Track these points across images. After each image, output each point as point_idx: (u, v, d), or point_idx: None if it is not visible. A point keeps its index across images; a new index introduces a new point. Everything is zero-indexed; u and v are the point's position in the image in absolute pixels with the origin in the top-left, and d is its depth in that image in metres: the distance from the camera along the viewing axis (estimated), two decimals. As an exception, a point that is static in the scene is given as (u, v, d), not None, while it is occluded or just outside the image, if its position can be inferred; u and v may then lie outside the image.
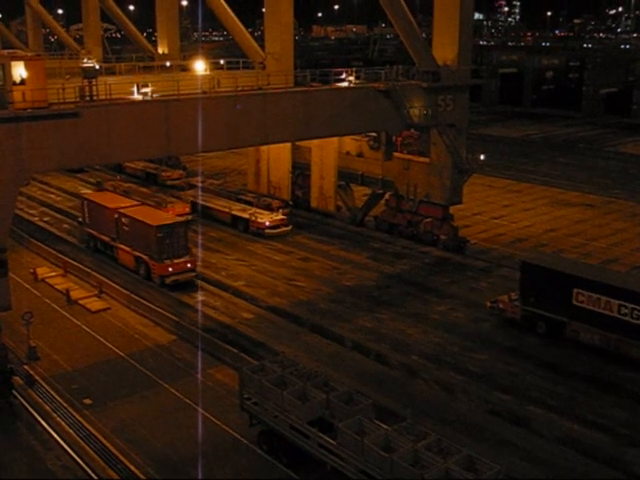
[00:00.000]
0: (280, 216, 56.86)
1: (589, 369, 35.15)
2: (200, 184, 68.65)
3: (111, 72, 50.25)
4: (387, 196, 56.87)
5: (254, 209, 58.08)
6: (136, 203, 51.10)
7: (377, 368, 35.45)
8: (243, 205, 59.58)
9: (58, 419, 30.34)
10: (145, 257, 46.09)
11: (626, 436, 29.55)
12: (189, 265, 45.81)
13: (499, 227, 58.98)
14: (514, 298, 39.84)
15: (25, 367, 34.35)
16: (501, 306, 40.22)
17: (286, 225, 56.59)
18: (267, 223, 55.75)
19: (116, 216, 48.27)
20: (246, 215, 57.06)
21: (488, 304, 41.00)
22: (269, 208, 58.91)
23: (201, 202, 61.36)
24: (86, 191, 67.80)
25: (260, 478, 26.59)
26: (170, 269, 44.89)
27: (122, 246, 48.30)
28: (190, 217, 57.89)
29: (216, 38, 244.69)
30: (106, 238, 49.99)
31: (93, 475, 26.68)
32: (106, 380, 33.70)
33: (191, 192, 64.99)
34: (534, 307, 38.54)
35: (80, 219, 53.69)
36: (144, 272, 46.42)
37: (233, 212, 58.31)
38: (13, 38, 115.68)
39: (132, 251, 47.28)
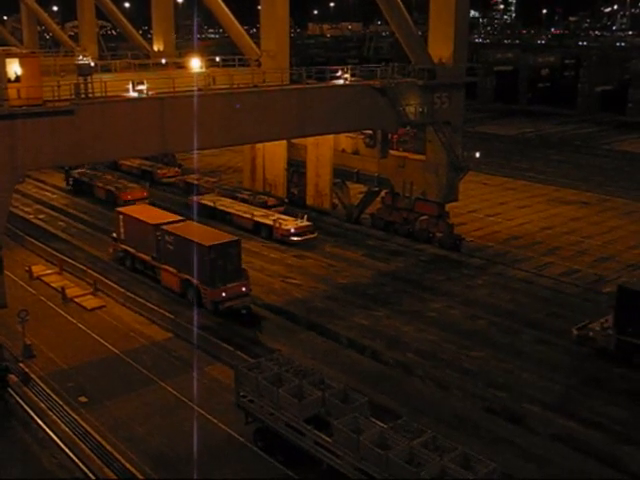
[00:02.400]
0: (305, 222, 53.68)
1: (584, 367, 35.24)
2: (196, 181, 68.56)
3: (106, 69, 50.12)
4: (383, 194, 56.89)
5: (277, 215, 55.45)
6: (180, 219, 46.14)
7: (373, 366, 35.47)
8: (265, 211, 57.06)
9: (54, 417, 30.28)
10: (194, 280, 41.29)
11: (621, 434, 29.61)
12: (244, 289, 41.21)
13: (494, 225, 59.04)
14: (606, 326, 35.99)
15: (20, 365, 34.26)
16: (591, 334, 36.29)
17: (312, 232, 53.63)
18: (292, 230, 52.91)
19: (159, 233, 43.80)
20: (269, 221, 54.20)
21: (574, 332, 36.89)
22: (265, 206, 58.83)
23: (220, 207, 58.44)
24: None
25: (256, 475, 26.57)
26: (224, 294, 40.37)
27: (166, 267, 43.68)
28: (147, 202, 61.02)
29: (212, 35, 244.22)
30: (146, 257, 45.44)
31: (89, 473, 26.62)
32: (102, 378, 33.64)
33: (209, 196, 61.76)
34: (632, 337, 34.67)
35: (114, 235, 48.75)
36: (192, 297, 41.65)
37: (255, 218, 55.39)
38: (8, 35, 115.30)
39: (178, 273, 42.65)
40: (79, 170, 69.98)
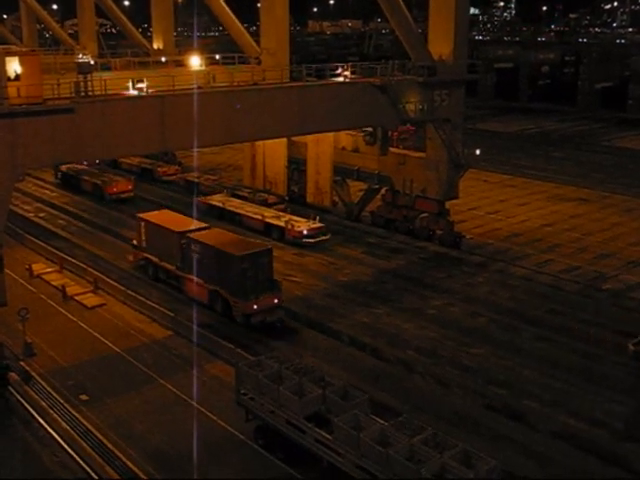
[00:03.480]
0: (318, 224, 52.59)
1: (585, 363, 35.26)
2: (196, 179, 68.55)
3: (106, 67, 50.09)
4: (383, 191, 56.86)
5: (289, 216, 54.20)
6: (205, 225, 44.22)
7: (373, 363, 35.48)
8: (276, 211, 56.06)
9: (54, 415, 30.26)
10: (223, 292, 39.24)
11: (621, 430, 29.60)
12: (276, 301, 38.95)
13: (495, 222, 59.03)
14: None
15: (21, 363, 34.26)
16: None
17: (325, 234, 52.42)
18: (305, 232, 51.67)
19: (184, 241, 41.54)
20: (281, 223, 53.08)
21: (631, 347, 35.13)
22: (265, 203, 58.76)
23: (229, 207, 57.49)
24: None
25: (256, 473, 26.59)
26: (255, 306, 38.03)
27: (192, 277, 41.30)
28: (132, 194, 65.67)
29: (212, 33, 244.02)
30: (170, 266, 43.22)
31: (90, 471, 26.63)
32: (102, 376, 33.67)
33: (218, 197, 60.59)
34: None
35: (135, 242, 46.62)
36: (221, 308, 39.87)
37: (267, 220, 54.13)
38: (8, 34, 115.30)
39: (205, 284, 40.45)
40: (66, 165, 70.89)
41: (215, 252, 39.54)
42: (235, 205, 58.17)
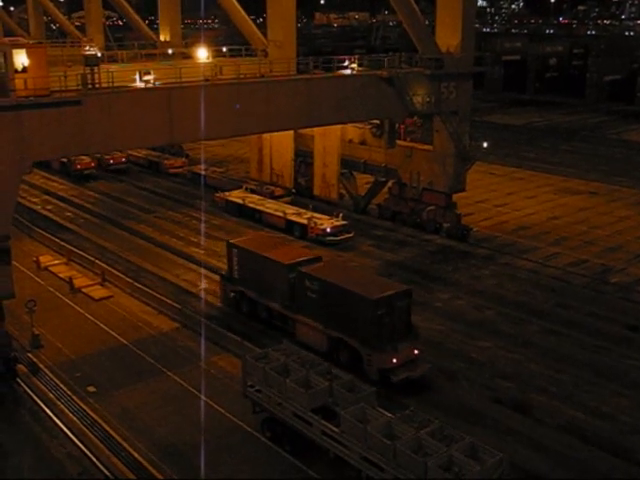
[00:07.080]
0: (341, 221, 51.32)
1: (592, 357, 35.18)
2: (203, 172, 68.59)
3: (113, 60, 50.04)
4: (390, 184, 56.76)
5: (311, 213, 52.66)
6: (316, 256, 37.55)
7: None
8: (298, 208, 54.45)
9: (62, 407, 30.40)
10: (351, 341, 32.55)
11: (628, 424, 29.55)
12: (416, 352, 32.71)
13: (502, 215, 58.87)
14: None
15: (29, 355, 34.40)
16: None
17: (348, 231, 51.07)
18: (328, 229, 50.19)
19: (293, 276, 35.50)
20: (303, 220, 51.65)
21: None
22: (272, 196, 58.68)
23: (249, 204, 56.42)
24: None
25: (263, 465, 26.63)
26: (394, 360, 31.68)
27: (305, 319, 34.90)
28: (95, 171, 72.38)
29: (216, 25, 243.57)
30: (274, 305, 36.86)
31: (97, 462, 26.73)
32: (110, 368, 33.76)
33: (236, 193, 59.54)
34: None
35: (224, 273, 40.67)
36: (347, 360, 32.73)
37: (288, 217, 52.75)
38: (15, 26, 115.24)
39: (325, 329, 33.87)
40: None
41: (341, 293, 33.03)
42: (255, 201, 57.08)
